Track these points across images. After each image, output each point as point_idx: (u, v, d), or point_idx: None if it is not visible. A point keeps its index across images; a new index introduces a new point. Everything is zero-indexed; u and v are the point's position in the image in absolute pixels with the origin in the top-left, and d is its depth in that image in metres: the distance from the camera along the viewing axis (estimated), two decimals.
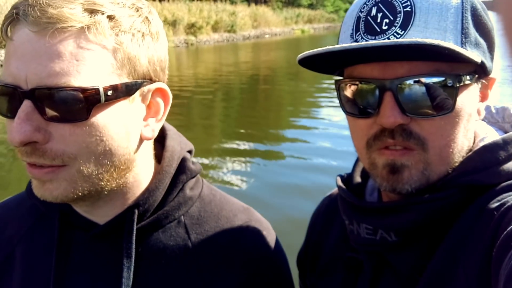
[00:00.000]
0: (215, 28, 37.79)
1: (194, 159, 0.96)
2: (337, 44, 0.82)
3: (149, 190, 0.84)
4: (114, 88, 0.72)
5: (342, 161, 6.73)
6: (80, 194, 0.74)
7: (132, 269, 0.81)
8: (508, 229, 0.61)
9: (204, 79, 15.83)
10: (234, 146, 7.88)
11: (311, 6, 70.09)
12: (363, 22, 0.76)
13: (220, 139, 8.52)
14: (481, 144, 0.79)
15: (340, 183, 0.92)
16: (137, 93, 0.77)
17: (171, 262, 0.85)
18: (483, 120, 0.87)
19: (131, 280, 0.81)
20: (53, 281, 0.81)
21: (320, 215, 1.10)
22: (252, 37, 41.54)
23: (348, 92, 0.80)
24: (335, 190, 1.05)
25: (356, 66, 0.78)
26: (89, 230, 0.84)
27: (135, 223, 0.82)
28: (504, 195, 0.70)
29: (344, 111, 0.83)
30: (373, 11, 0.75)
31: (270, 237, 0.96)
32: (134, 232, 0.82)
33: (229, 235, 0.90)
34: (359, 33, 0.76)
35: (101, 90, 0.70)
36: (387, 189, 0.78)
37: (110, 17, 0.72)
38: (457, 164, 0.77)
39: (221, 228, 0.91)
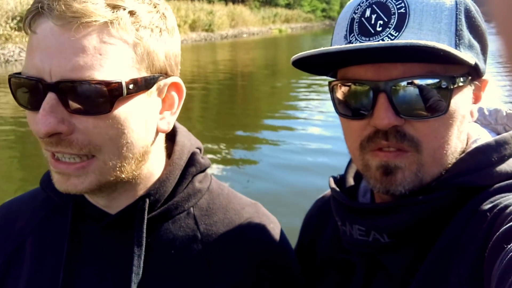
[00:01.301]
0: (192, 27, 37.55)
1: None
2: (331, 45, 0.82)
3: (160, 181, 0.86)
4: (134, 82, 0.74)
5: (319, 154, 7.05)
6: (102, 186, 0.77)
7: (142, 258, 0.83)
8: (500, 230, 0.61)
9: (183, 78, 15.80)
10: (214, 140, 7.95)
11: (288, 5, 70.33)
12: (357, 24, 0.76)
13: (200, 133, 8.61)
14: (474, 145, 0.79)
15: (332, 184, 0.91)
16: (154, 87, 0.79)
17: (180, 252, 0.87)
18: (476, 122, 0.88)
19: (142, 269, 0.82)
20: (63, 270, 0.83)
21: (312, 217, 1.09)
22: (230, 37, 41.44)
23: (342, 93, 0.80)
24: (327, 191, 1.05)
25: (350, 68, 0.78)
26: (101, 221, 0.85)
27: (146, 212, 0.84)
28: (497, 196, 0.70)
29: (337, 112, 0.83)
30: (367, 13, 0.75)
31: (277, 230, 0.98)
32: (145, 221, 0.84)
33: (237, 227, 0.92)
34: (353, 34, 0.76)
35: (124, 83, 0.72)
36: (381, 190, 0.78)
37: (131, 13, 0.74)
38: (450, 165, 0.77)
39: (230, 220, 0.92)
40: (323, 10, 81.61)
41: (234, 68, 18.85)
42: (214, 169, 6.49)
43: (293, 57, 0.78)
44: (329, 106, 11.12)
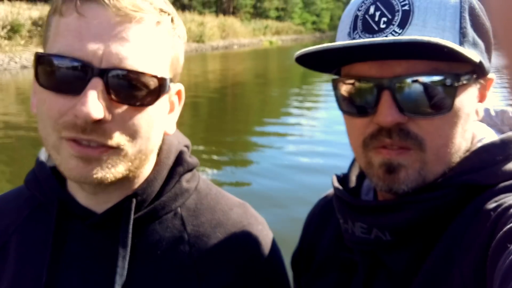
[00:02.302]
0: None
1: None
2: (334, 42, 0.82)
3: (148, 181, 0.85)
4: (170, 81, 0.79)
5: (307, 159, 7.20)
6: (116, 177, 0.76)
7: (127, 259, 0.81)
8: (504, 229, 0.60)
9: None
10: (204, 150, 8.02)
11: (278, 18, 71.01)
12: (360, 21, 0.76)
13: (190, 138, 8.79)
14: (479, 144, 0.79)
15: (335, 182, 0.91)
16: (170, 90, 0.83)
17: (167, 253, 0.86)
18: (482, 122, 0.87)
19: (126, 270, 0.81)
20: (46, 270, 0.81)
21: (315, 215, 1.09)
22: (221, 48, 41.62)
23: (345, 91, 0.80)
24: (330, 191, 1.04)
25: (354, 65, 0.78)
26: (86, 219, 0.84)
27: (132, 212, 0.83)
28: (501, 196, 0.69)
29: (340, 110, 0.83)
30: (371, 10, 0.75)
31: (265, 232, 0.97)
32: (131, 222, 0.82)
33: (225, 229, 0.91)
34: (356, 31, 0.76)
35: (168, 81, 0.77)
36: (383, 189, 0.78)
37: (172, 19, 0.79)
38: (454, 164, 0.77)
39: (217, 221, 0.91)
40: (314, 22, 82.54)
41: (225, 79, 18.98)
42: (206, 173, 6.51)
43: (297, 53, 0.78)
44: (319, 113, 11.47)
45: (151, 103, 0.75)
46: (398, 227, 0.76)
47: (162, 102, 0.79)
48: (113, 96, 0.71)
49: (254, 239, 0.93)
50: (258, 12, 65.95)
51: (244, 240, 0.91)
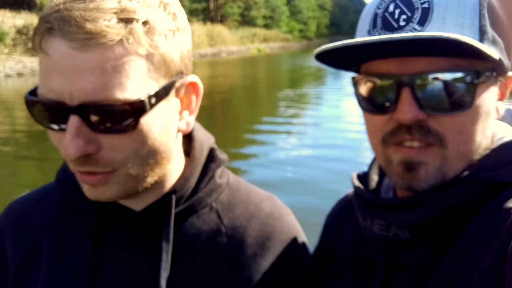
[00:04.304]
0: None
1: None
2: None
3: (184, 177, 0.88)
4: (155, 94, 0.73)
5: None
6: (130, 192, 0.78)
7: (170, 253, 0.83)
8: None
9: None
10: None
11: (266, 26, 71.42)
12: (380, 19, 0.76)
13: None
14: (499, 143, 0.78)
15: (355, 180, 0.91)
16: (173, 91, 0.78)
17: (206, 245, 0.89)
18: (503, 122, 0.87)
19: (169, 264, 0.83)
20: (88, 267, 0.83)
21: (335, 215, 1.09)
22: (209, 55, 41.74)
23: (365, 88, 0.80)
24: (350, 191, 1.04)
25: (373, 62, 0.78)
26: (124, 217, 0.86)
27: (173, 208, 0.85)
28: None
29: (360, 107, 0.83)
30: (391, 7, 0.75)
31: (294, 221, 1.01)
32: (173, 217, 0.85)
33: (258, 220, 0.94)
34: (376, 29, 0.76)
35: (146, 100, 0.71)
36: (403, 186, 0.78)
37: (145, 23, 0.71)
38: (474, 161, 0.77)
39: (251, 213, 0.95)
40: (301, 30, 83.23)
41: (213, 86, 19.01)
42: None
43: (317, 50, 0.78)
44: (307, 118, 11.63)
45: (132, 128, 0.71)
46: (416, 224, 0.75)
47: (161, 110, 0.75)
48: (95, 128, 0.70)
49: (286, 228, 0.96)
50: (246, 20, 66.29)
51: (278, 230, 0.95)
